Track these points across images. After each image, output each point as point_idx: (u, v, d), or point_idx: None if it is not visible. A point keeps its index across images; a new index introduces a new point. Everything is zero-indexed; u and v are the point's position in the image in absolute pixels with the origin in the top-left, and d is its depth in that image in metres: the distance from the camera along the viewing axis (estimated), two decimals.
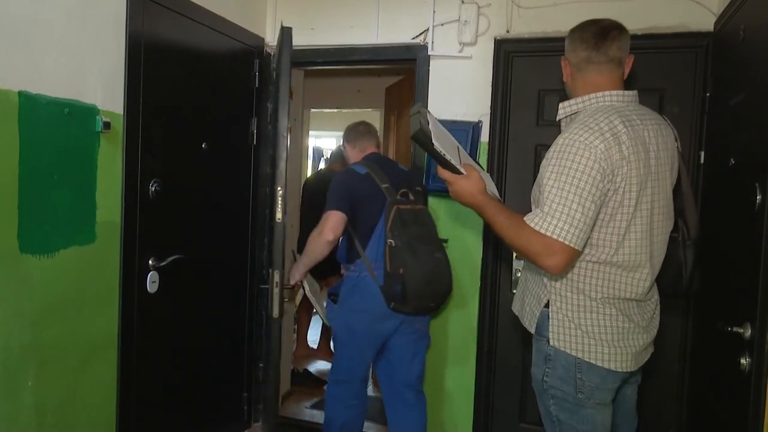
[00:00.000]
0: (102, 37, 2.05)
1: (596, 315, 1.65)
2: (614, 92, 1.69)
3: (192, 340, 2.62)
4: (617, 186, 1.58)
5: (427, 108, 2.22)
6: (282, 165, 2.33)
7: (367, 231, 2.44)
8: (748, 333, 1.62)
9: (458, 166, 1.71)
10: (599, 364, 1.64)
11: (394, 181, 2.48)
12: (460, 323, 2.78)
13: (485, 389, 2.76)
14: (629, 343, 1.67)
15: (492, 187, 1.89)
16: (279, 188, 2.32)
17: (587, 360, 1.64)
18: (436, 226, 2.56)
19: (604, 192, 1.57)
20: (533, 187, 1.80)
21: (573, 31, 1.78)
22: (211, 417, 2.83)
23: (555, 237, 1.53)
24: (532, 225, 1.57)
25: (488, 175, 2.04)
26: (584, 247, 1.61)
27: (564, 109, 1.77)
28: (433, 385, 2.84)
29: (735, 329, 1.68)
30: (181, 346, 2.55)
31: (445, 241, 2.66)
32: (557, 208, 1.54)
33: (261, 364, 3.12)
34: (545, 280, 1.71)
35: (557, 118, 1.80)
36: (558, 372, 1.68)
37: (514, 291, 2.62)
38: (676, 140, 1.77)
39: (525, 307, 1.82)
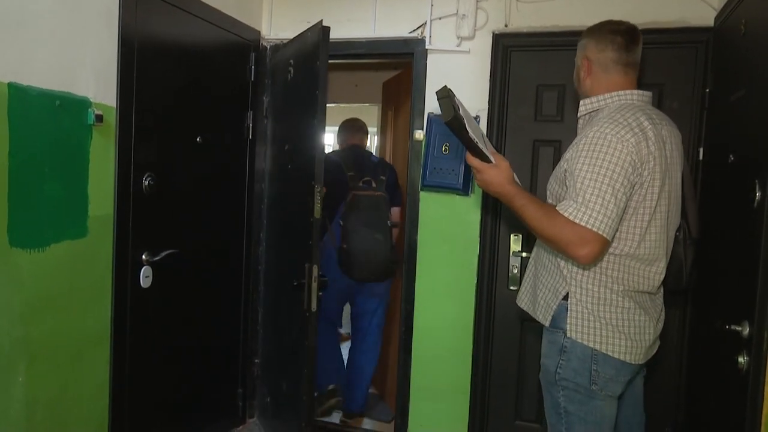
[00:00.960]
0: (94, 28, 2.02)
1: (616, 307, 1.70)
2: (635, 91, 1.78)
3: (186, 335, 2.60)
4: (643, 180, 1.64)
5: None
6: (320, 166, 2.34)
7: (332, 210, 3.14)
8: (746, 331, 1.61)
9: (488, 153, 1.72)
10: (616, 356, 1.69)
11: (360, 170, 3.14)
12: (456, 320, 2.76)
13: (481, 386, 2.74)
14: (644, 336, 1.73)
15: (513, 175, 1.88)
16: (317, 187, 2.33)
17: (604, 352, 1.68)
18: (387, 212, 3.15)
19: (633, 184, 1.63)
20: (550, 181, 1.86)
21: (600, 29, 1.83)
22: (205, 413, 2.81)
23: (589, 227, 1.57)
24: (566, 214, 1.60)
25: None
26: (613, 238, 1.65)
27: (585, 106, 1.83)
28: (428, 382, 2.83)
29: (733, 327, 1.66)
30: (174, 342, 2.53)
31: (395, 225, 3.20)
32: (591, 198, 1.58)
33: (257, 360, 3.10)
34: (564, 272, 1.74)
35: (579, 115, 1.86)
36: (573, 363, 1.72)
37: (512, 288, 2.62)
38: (682, 142, 1.84)
39: (538, 301, 1.84)
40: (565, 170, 1.70)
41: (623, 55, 1.79)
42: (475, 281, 2.71)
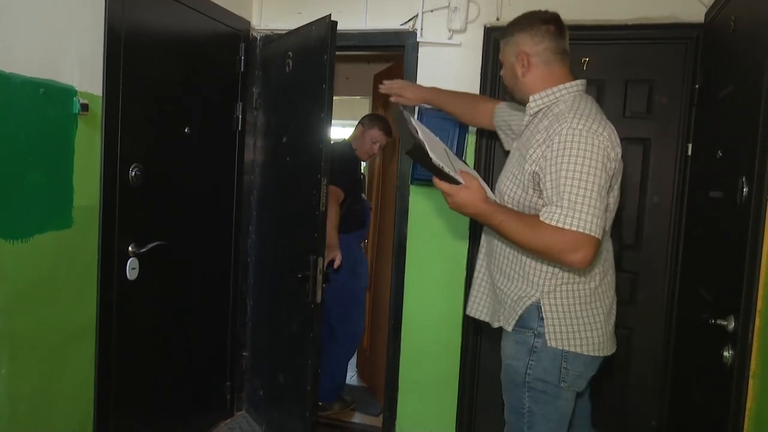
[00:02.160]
0: (79, 14, 1.99)
1: (589, 303, 1.70)
2: (580, 81, 1.75)
3: (173, 328, 2.58)
4: (615, 171, 1.64)
5: (406, 109, 2.22)
6: (327, 160, 2.34)
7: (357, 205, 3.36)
8: (731, 326, 1.62)
9: (455, 176, 1.64)
10: (587, 352, 1.69)
11: None
12: (445, 313, 2.77)
13: (470, 379, 2.75)
14: (610, 324, 1.77)
15: (486, 189, 1.80)
16: (324, 180, 2.32)
17: (577, 351, 1.68)
18: None
19: (611, 177, 1.61)
20: (504, 182, 1.78)
21: (530, 21, 1.76)
22: (193, 406, 2.80)
23: (580, 230, 1.52)
24: (553, 222, 1.54)
25: (476, 173, 1.91)
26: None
27: (536, 101, 1.74)
28: (417, 374, 2.83)
29: (719, 322, 1.67)
30: (162, 334, 2.51)
31: None
32: (577, 200, 1.53)
33: (245, 353, 3.09)
34: (534, 279, 1.69)
35: (530, 112, 1.77)
36: (543, 363, 1.69)
37: None
38: None
39: (501, 308, 1.79)
40: (534, 172, 1.63)
41: (560, 43, 1.74)
42: (465, 274, 2.71)
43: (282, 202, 2.81)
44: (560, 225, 1.53)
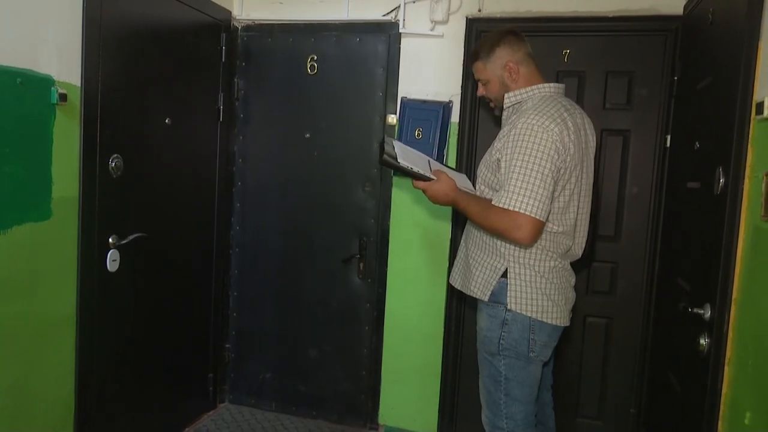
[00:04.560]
0: (57, 3, 1.95)
1: (549, 278, 1.89)
2: (552, 84, 1.96)
3: (155, 319, 2.57)
4: (567, 165, 1.81)
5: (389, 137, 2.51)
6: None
7: None
8: (707, 314, 1.65)
9: (428, 174, 1.96)
10: (550, 321, 1.89)
11: None
12: (427, 303, 2.78)
13: (452, 368, 2.77)
14: (569, 301, 1.97)
15: (465, 183, 2.14)
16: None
17: (541, 320, 1.88)
18: None
19: (558, 169, 1.79)
20: (481, 167, 2.01)
21: (502, 38, 1.98)
22: (175, 398, 2.79)
23: (522, 211, 1.74)
24: (500, 204, 1.78)
25: (463, 175, 2.29)
26: (548, 217, 1.81)
27: (510, 99, 1.97)
28: (399, 364, 2.85)
29: (695, 310, 1.71)
30: (143, 326, 2.50)
31: None
32: (521, 185, 1.75)
33: (227, 345, 3.08)
34: (503, 250, 1.90)
35: (504, 106, 2.00)
36: (514, 334, 1.89)
37: None
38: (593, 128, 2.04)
39: (474, 278, 1.98)
40: (498, 159, 1.85)
41: (527, 47, 1.99)
42: (447, 264, 2.73)
43: (297, 194, 2.95)
44: (505, 206, 1.76)
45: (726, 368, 1.58)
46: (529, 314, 1.87)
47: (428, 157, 2.18)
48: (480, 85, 2.07)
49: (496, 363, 1.93)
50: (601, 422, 2.66)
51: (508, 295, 1.88)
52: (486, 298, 1.92)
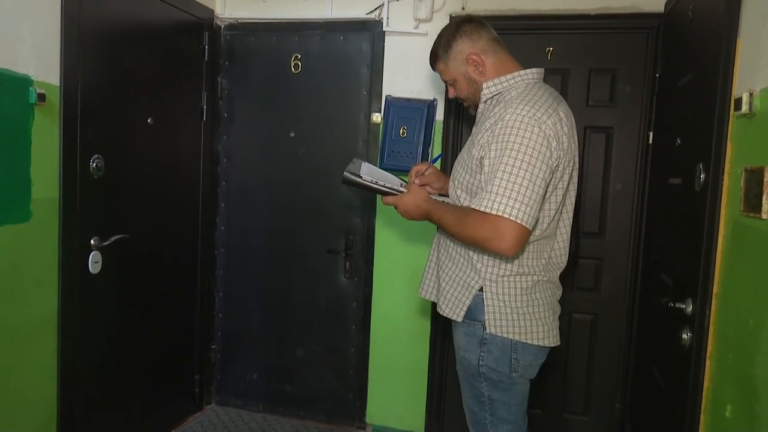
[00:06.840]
0: (35, 1, 1.92)
1: (531, 295, 1.67)
2: (534, 69, 1.71)
3: (139, 321, 2.54)
4: (561, 161, 1.60)
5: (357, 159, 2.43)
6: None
7: None
8: (689, 309, 1.66)
9: (398, 188, 1.80)
10: (534, 342, 1.68)
11: None
12: (414, 302, 2.78)
13: (439, 367, 2.77)
14: (556, 316, 1.75)
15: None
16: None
17: (524, 341, 1.67)
18: None
19: (552, 168, 1.56)
20: (456, 168, 1.76)
21: (458, 30, 1.75)
22: (161, 400, 2.77)
23: (505, 216, 1.47)
24: (480, 208, 1.51)
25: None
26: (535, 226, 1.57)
27: (490, 88, 1.71)
28: (387, 363, 2.84)
29: (677, 305, 1.72)
30: (127, 328, 2.47)
31: None
32: (505, 185, 1.49)
33: (213, 346, 3.06)
34: (478, 266, 1.67)
35: (483, 98, 1.74)
36: (494, 354, 1.68)
37: None
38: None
39: (442, 296, 1.77)
40: (481, 157, 1.59)
41: (489, 32, 1.75)
42: None
43: (284, 193, 2.94)
44: (486, 210, 1.49)
45: (707, 362, 1.59)
46: (510, 336, 1.65)
47: (401, 181, 1.93)
48: (449, 86, 1.86)
49: (477, 384, 1.73)
50: (587, 418, 2.68)
51: (486, 313, 1.65)
52: (460, 319, 1.71)
